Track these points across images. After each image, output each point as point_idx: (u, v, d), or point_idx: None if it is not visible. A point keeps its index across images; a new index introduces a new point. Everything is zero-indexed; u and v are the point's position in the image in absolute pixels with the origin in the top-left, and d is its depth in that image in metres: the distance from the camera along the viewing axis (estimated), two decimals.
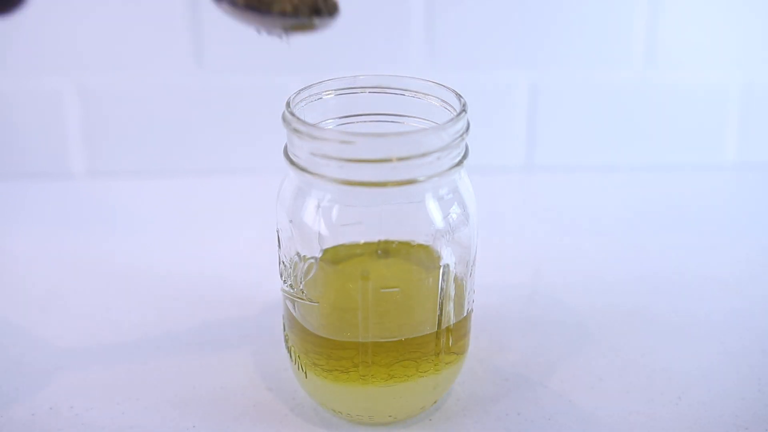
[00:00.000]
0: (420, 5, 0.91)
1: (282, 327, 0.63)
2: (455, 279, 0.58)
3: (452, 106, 0.58)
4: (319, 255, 0.57)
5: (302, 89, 0.59)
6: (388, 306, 0.57)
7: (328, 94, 0.60)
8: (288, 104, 0.57)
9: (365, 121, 0.61)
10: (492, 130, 0.96)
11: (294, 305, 0.59)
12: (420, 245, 0.59)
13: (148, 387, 0.65)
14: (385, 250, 0.59)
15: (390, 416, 0.60)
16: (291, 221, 0.57)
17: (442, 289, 0.58)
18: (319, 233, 0.56)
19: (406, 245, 0.59)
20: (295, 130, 0.55)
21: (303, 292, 0.58)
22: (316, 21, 0.53)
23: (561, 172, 0.97)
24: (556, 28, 0.94)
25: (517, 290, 0.76)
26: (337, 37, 0.91)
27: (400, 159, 0.53)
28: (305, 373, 0.59)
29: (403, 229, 0.58)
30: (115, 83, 0.93)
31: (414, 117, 0.60)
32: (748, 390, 0.64)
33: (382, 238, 0.59)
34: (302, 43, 0.92)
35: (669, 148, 0.98)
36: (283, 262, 0.59)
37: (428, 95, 0.59)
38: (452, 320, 0.59)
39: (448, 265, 0.57)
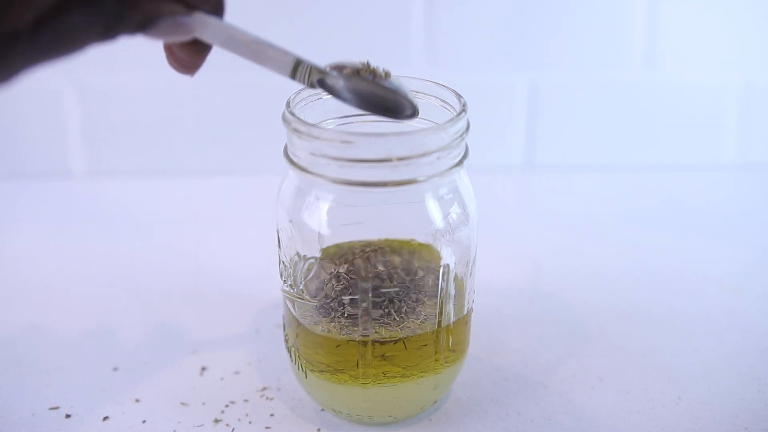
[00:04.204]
0: (420, 5, 0.91)
1: (282, 327, 0.63)
2: (455, 279, 0.58)
3: (452, 106, 0.58)
4: (319, 255, 0.57)
5: (302, 89, 0.59)
6: (388, 306, 0.57)
7: (328, 94, 0.60)
8: (288, 104, 0.57)
9: (365, 121, 0.61)
10: (492, 130, 0.96)
11: (294, 305, 0.59)
12: (420, 245, 0.59)
13: (148, 387, 0.65)
14: (385, 249, 0.59)
15: (390, 416, 0.60)
16: (291, 221, 0.57)
17: (442, 288, 0.58)
18: (319, 233, 0.56)
19: (406, 245, 0.59)
20: (295, 130, 0.55)
21: (303, 292, 0.58)
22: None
23: (561, 171, 0.97)
24: (556, 28, 0.94)
25: (516, 290, 0.76)
26: (337, 36, 0.92)
27: (400, 159, 0.53)
28: (305, 373, 0.59)
29: (403, 228, 0.58)
30: (115, 83, 0.93)
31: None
32: (748, 390, 0.64)
33: (382, 237, 0.59)
34: (302, 42, 0.92)
35: (669, 148, 0.98)
36: (283, 262, 0.59)
37: (428, 95, 0.59)
38: (452, 320, 0.59)
39: (448, 264, 0.57)
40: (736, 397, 0.63)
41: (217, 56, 0.97)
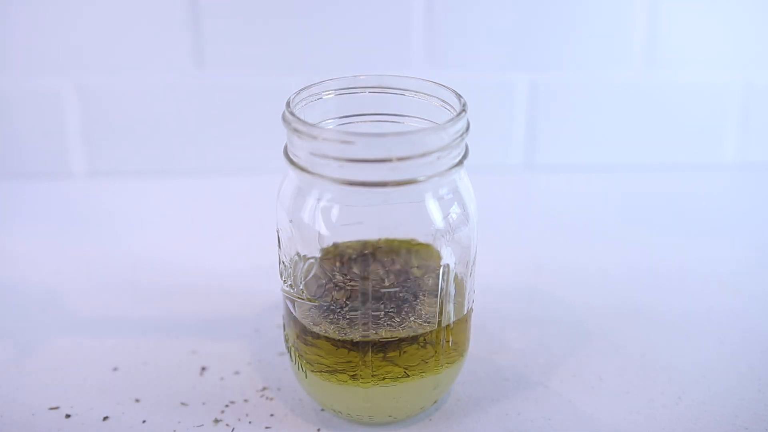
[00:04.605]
0: (420, 6, 0.91)
1: (282, 327, 0.63)
2: (455, 279, 0.58)
3: (452, 106, 0.58)
4: (319, 255, 0.57)
5: (302, 89, 0.59)
6: (388, 306, 0.57)
7: (328, 94, 0.60)
8: (288, 104, 0.57)
9: (365, 121, 0.61)
10: (492, 130, 0.96)
11: (294, 305, 0.59)
12: (420, 245, 0.59)
13: (148, 387, 0.65)
14: (385, 249, 0.59)
15: (390, 416, 0.60)
16: (291, 221, 0.57)
17: (442, 288, 0.58)
18: (319, 233, 0.56)
19: (406, 245, 0.59)
20: (295, 130, 0.55)
21: (303, 292, 0.58)
22: None
23: (561, 172, 0.97)
24: (556, 28, 0.94)
25: (516, 290, 0.76)
26: (337, 37, 0.92)
27: (400, 159, 0.53)
28: (305, 373, 0.59)
29: (403, 228, 0.58)
30: (115, 83, 0.93)
31: (414, 117, 0.60)
32: (748, 390, 0.64)
33: (382, 237, 0.59)
34: (302, 42, 0.92)
35: (669, 148, 0.98)
36: (283, 262, 0.59)
37: (428, 95, 0.59)
38: (452, 320, 0.59)
39: (448, 265, 0.57)
40: (736, 397, 0.63)
41: (218, 56, 0.96)
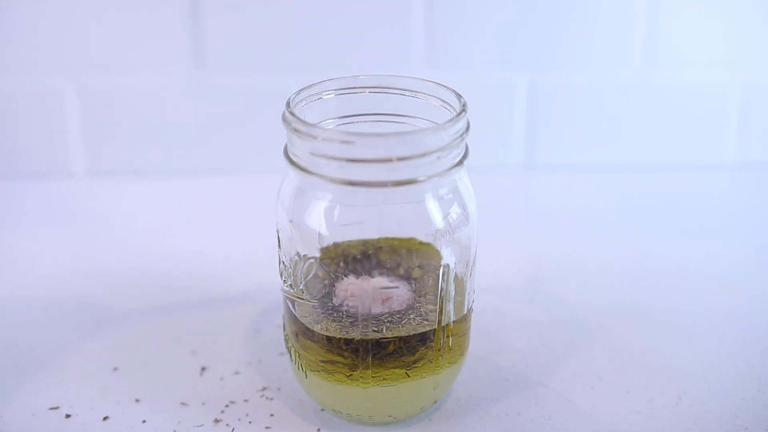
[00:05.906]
0: (420, 5, 0.91)
1: (282, 327, 0.63)
2: (455, 278, 0.58)
3: (452, 106, 0.58)
4: (318, 255, 0.57)
5: (302, 89, 0.59)
6: (387, 305, 0.57)
7: (328, 94, 0.60)
8: (288, 104, 0.57)
9: (365, 121, 0.61)
10: (492, 130, 0.96)
11: (294, 305, 0.59)
12: (420, 244, 0.59)
13: (148, 387, 0.65)
14: (385, 249, 0.59)
15: (390, 416, 0.60)
16: (291, 221, 0.57)
17: (442, 288, 0.58)
18: (319, 233, 0.56)
19: (406, 245, 0.59)
20: (295, 130, 0.55)
21: (303, 292, 0.58)
22: None
23: (561, 171, 0.97)
24: (556, 27, 0.94)
25: (516, 290, 0.76)
26: (337, 37, 0.92)
27: (400, 159, 0.53)
28: (305, 373, 0.59)
29: (403, 228, 0.58)
30: (115, 83, 0.93)
31: (414, 117, 0.60)
32: (748, 390, 0.64)
33: (382, 237, 0.59)
34: (302, 43, 0.92)
35: (669, 148, 0.98)
36: (283, 262, 0.59)
37: (428, 95, 0.59)
38: (452, 319, 0.59)
39: (448, 265, 0.57)
40: (736, 397, 0.63)
41: (218, 56, 0.96)
